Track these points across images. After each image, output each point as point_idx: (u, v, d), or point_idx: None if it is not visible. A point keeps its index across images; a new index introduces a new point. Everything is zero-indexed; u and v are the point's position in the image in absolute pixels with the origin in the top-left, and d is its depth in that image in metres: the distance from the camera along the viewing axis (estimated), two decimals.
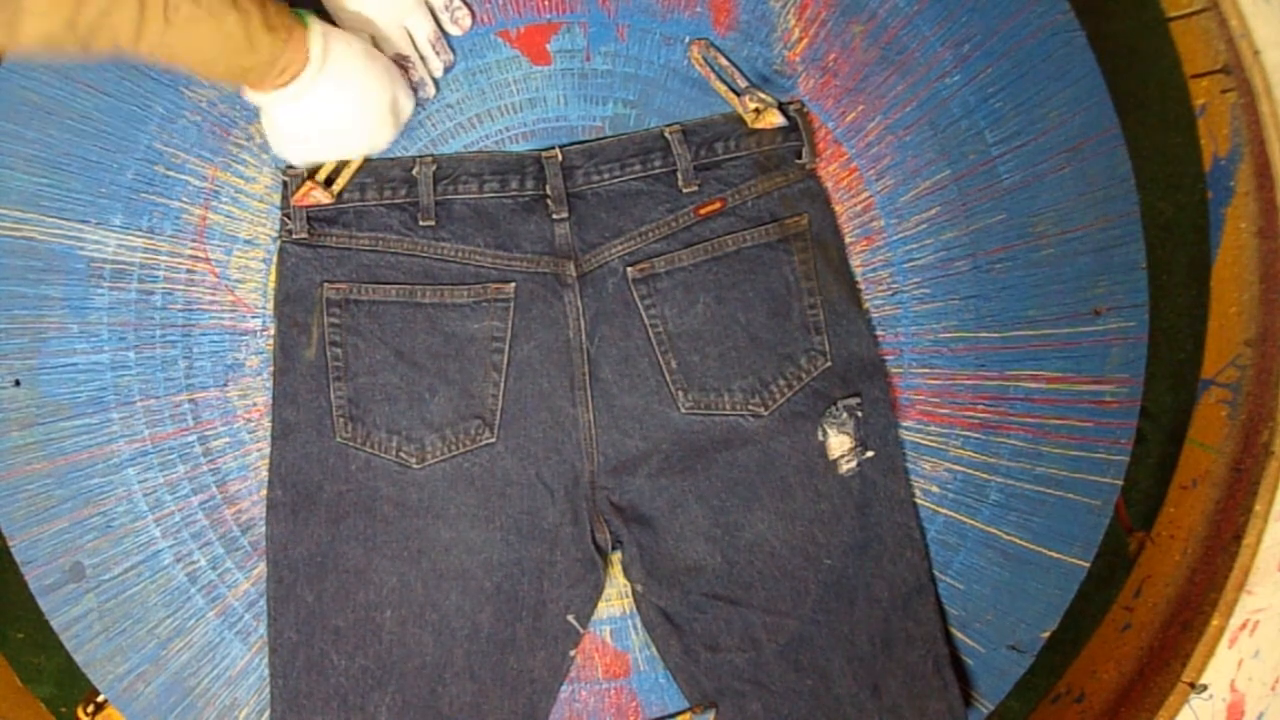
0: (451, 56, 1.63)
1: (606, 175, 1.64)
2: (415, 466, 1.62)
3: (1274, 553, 1.54)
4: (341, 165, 1.61)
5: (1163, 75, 2.20)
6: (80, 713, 1.72)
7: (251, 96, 1.45)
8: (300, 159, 1.55)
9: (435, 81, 1.63)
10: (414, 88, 1.61)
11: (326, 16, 1.52)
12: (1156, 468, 2.09)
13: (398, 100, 1.57)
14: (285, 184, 1.61)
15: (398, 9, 1.55)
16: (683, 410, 1.64)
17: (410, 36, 1.58)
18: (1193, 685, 1.55)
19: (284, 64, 1.38)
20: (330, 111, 1.48)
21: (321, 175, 1.60)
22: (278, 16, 1.34)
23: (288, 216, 1.60)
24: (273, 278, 1.64)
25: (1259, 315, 1.66)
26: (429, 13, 1.58)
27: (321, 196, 1.59)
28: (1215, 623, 1.54)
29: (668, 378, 1.63)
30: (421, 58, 1.60)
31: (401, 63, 1.58)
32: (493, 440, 1.63)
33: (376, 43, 1.56)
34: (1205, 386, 1.76)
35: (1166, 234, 2.21)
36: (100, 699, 1.69)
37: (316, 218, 1.60)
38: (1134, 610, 1.77)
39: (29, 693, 1.86)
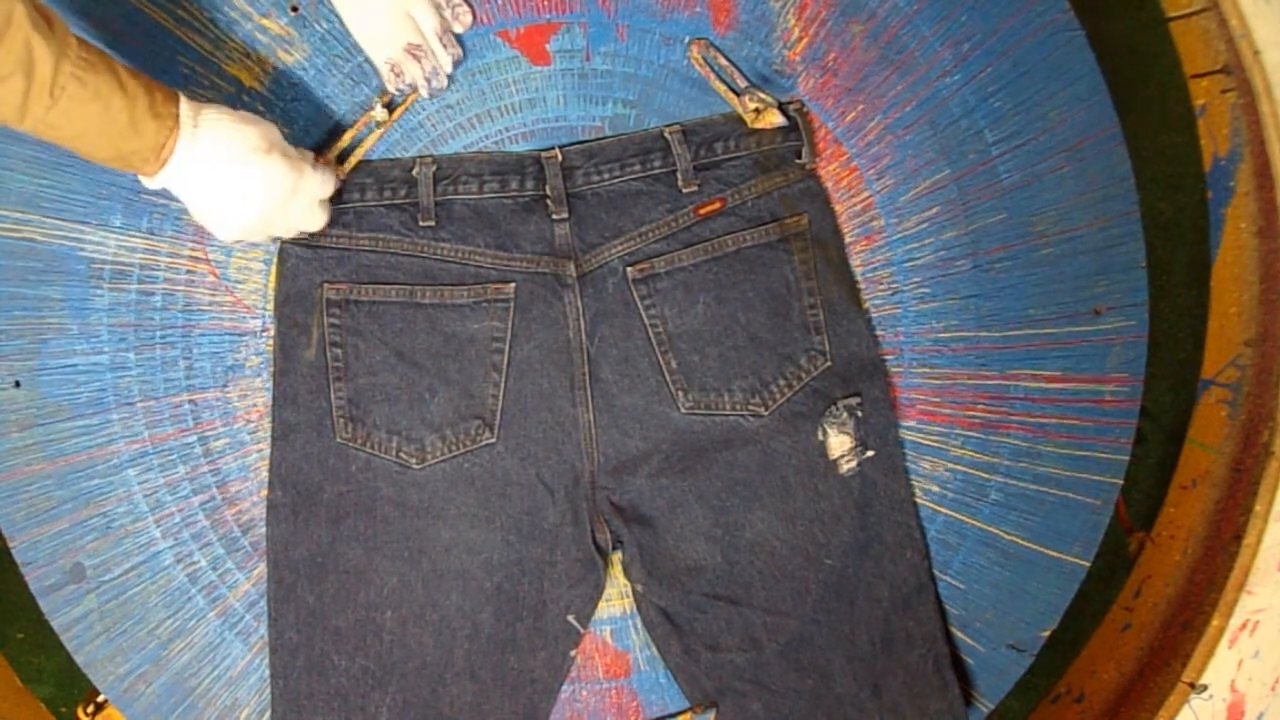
0: (461, 51, 1.63)
1: (606, 175, 1.64)
2: (415, 467, 1.62)
3: (1274, 553, 1.54)
4: (353, 145, 1.61)
5: (1163, 75, 2.20)
6: (80, 713, 1.72)
7: (147, 182, 1.40)
8: (228, 233, 1.47)
9: (448, 76, 1.63)
10: (427, 78, 1.61)
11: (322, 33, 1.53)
12: (1156, 468, 2.09)
13: (292, 160, 1.48)
14: None
15: (402, 1, 1.55)
16: (683, 410, 1.64)
17: (416, 25, 1.57)
18: (1193, 685, 1.55)
19: (166, 145, 1.35)
20: (219, 176, 1.41)
21: (332, 154, 1.60)
22: (164, 105, 1.33)
23: None
24: (273, 278, 1.64)
25: (1259, 315, 1.66)
26: (434, 8, 1.58)
27: None
28: (1215, 623, 1.55)
29: (668, 378, 1.63)
30: (431, 49, 1.60)
31: (414, 52, 1.57)
32: (493, 440, 1.63)
33: (382, 40, 1.56)
34: (1205, 386, 1.76)
35: (1166, 234, 2.21)
36: (100, 699, 1.70)
37: None
38: (1134, 610, 1.77)
39: (29, 693, 1.86)
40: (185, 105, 1.35)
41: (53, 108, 1.23)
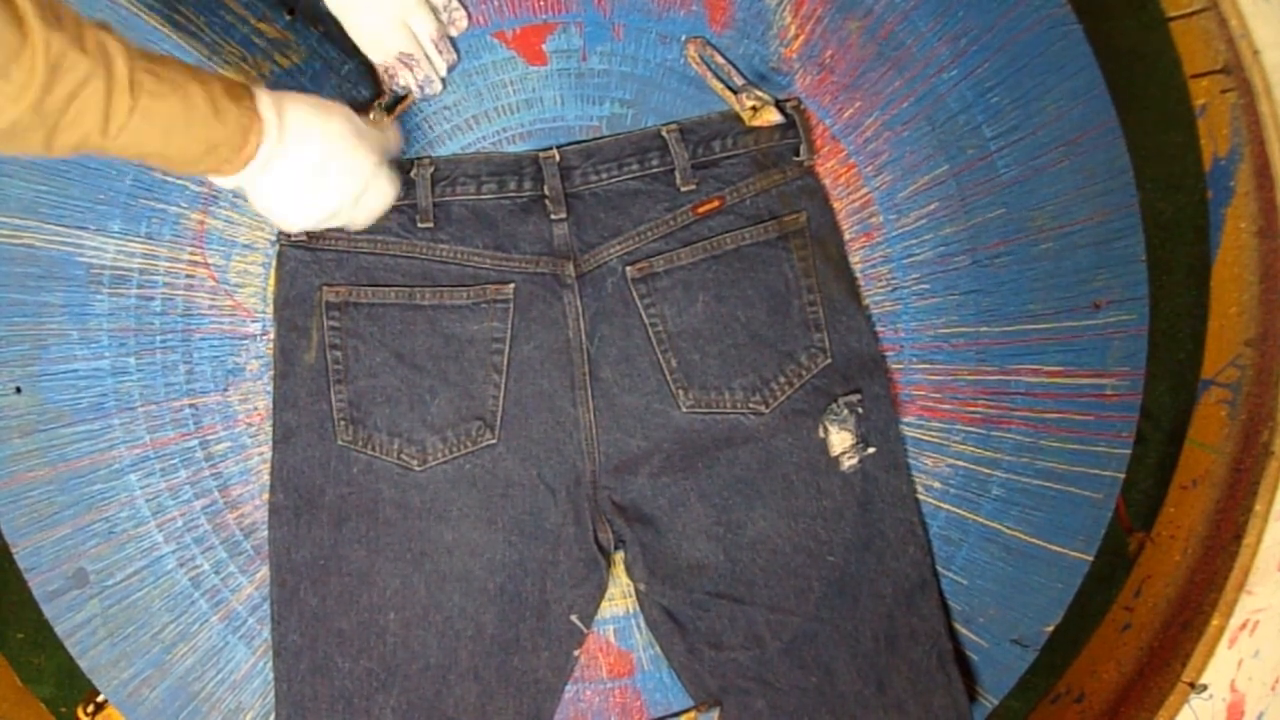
0: (455, 56, 1.63)
1: (604, 175, 1.64)
2: (417, 468, 1.62)
3: (1274, 553, 1.54)
4: None
5: (1163, 75, 2.19)
6: (80, 713, 1.72)
7: (226, 182, 1.34)
8: (302, 224, 1.42)
9: (442, 80, 1.63)
10: (420, 86, 1.61)
11: (330, 24, 1.52)
12: (1156, 468, 2.08)
13: (372, 141, 1.44)
14: None
15: (400, 8, 1.54)
16: (683, 409, 1.64)
17: (414, 35, 1.57)
18: (1193, 685, 1.55)
19: (251, 132, 1.28)
20: (305, 167, 1.36)
21: None
22: (238, 85, 1.27)
23: None
24: (272, 282, 1.64)
25: (1259, 315, 1.65)
26: (431, 12, 1.58)
27: None
28: (1215, 623, 1.54)
29: (668, 377, 1.63)
30: (426, 56, 1.59)
31: (406, 61, 1.57)
32: (494, 441, 1.63)
33: (380, 45, 1.56)
34: (1205, 386, 1.75)
35: (1166, 234, 2.20)
36: (100, 699, 1.70)
37: None
38: (1134, 610, 1.77)
39: (29, 693, 1.86)
40: (264, 93, 1.31)
41: (134, 108, 1.16)
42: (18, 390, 1.62)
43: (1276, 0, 1.51)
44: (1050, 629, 1.69)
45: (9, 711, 1.78)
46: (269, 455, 1.64)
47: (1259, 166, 1.59)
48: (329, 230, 1.60)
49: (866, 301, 1.69)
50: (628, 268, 1.63)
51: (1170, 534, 1.76)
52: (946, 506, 1.70)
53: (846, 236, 1.69)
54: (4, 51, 1.04)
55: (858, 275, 1.69)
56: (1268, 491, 1.54)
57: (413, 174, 1.62)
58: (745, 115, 1.64)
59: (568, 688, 1.70)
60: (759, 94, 1.63)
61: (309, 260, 1.61)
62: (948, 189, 1.68)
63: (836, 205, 1.68)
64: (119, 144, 1.18)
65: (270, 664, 1.65)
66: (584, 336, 1.63)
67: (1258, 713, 1.57)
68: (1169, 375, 2.16)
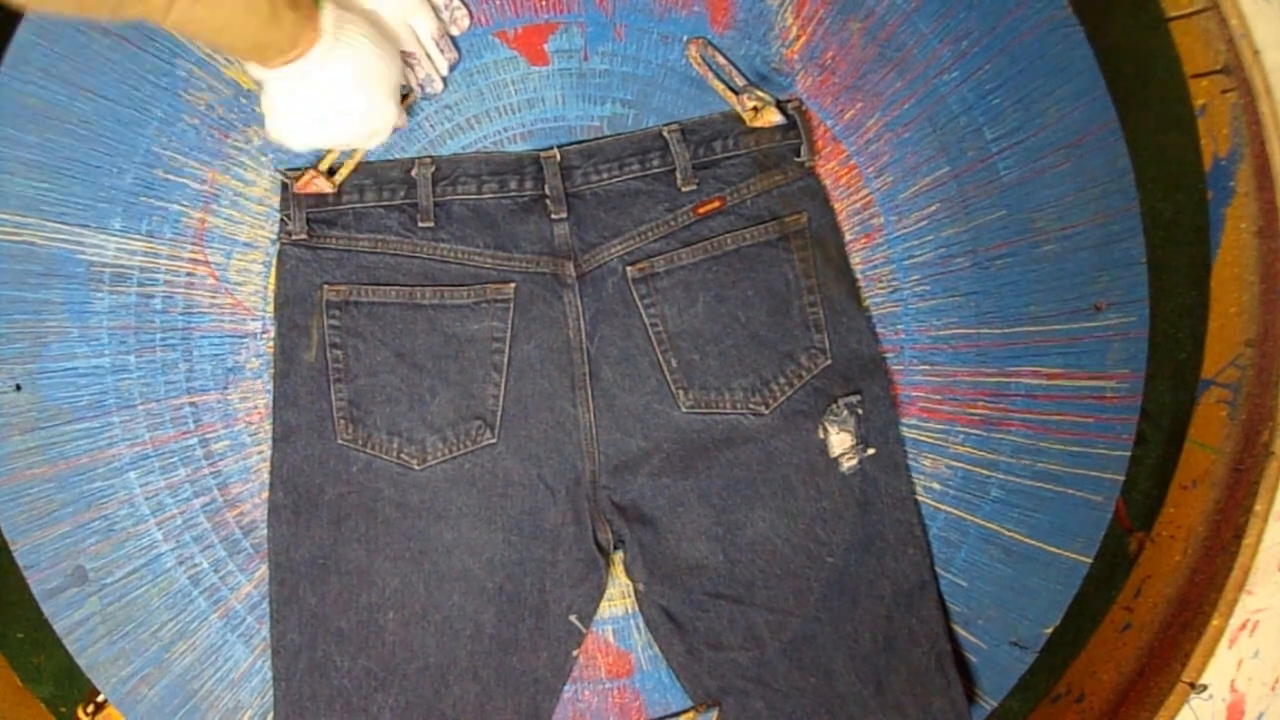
0: (456, 54, 1.63)
1: (605, 175, 1.63)
2: (416, 468, 1.62)
3: (1274, 553, 1.54)
4: (343, 157, 1.61)
5: (1163, 75, 2.19)
6: (80, 712, 1.72)
7: (257, 71, 1.41)
8: (291, 139, 1.49)
9: (443, 79, 1.63)
10: (420, 85, 1.61)
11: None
12: (1156, 468, 2.08)
13: (397, 94, 1.53)
14: (284, 185, 1.61)
15: (401, 7, 1.54)
16: (683, 409, 1.64)
17: (415, 34, 1.57)
18: (1193, 685, 1.55)
19: (301, 42, 1.35)
20: (331, 95, 1.44)
21: (324, 165, 1.60)
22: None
23: (287, 217, 1.60)
24: (272, 280, 1.64)
25: (1259, 315, 1.65)
26: (433, 11, 1.58)
27: (324, 185, 1.59)
28: (1215, 623, 1.55)
29: (668, 377, 1.63)
30: (427, 55, 1.60)
31: (407, 59, 1.57)
32: (493, 441, 1.63)
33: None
34: (1205, 386, 1.76)
35: (1166, 234, 2.20)
36: (100, 698, 1.70)
37: (315, 219, 1.61)
38: (1134, 610, 1.77)
39: (29, 693, 1.86)
40: (330, 12, 1.37)
41: (197, 2, 1.20)
42: (18, 387, 1.62)
43: (1277, 0, 1.51)
44: (1049, 631, 1.69)
45: (9, 711, 1.78)
46: (268, 454, 1.64)
47: (1259, 166, 1.59)
48: (330, 230, 1.60)
49: (867, 302, 1.69)
50: (628, 268, 1.63)
51: (1170, 534, 1.76)
52: (946, 508, 1.70)
53: (847, 237, 1.69)
54: None
55: (858, 276, 1.69)
56: (1268, 491, 1.54)
57: (413, 173, 1.62)
58: (746, 116, 1.64)
59: (566, 688, 1.70)
60: (760, 94, 1.63)
61: (309, 259, 1.61)
62: (949, 190, 1.68)
63: (837, 206, 1.68)
64: (176, 27, 1.24)
65: (269, 663, 1.64)
66: (584, 336, 1.63)
67: (1258, 713, 1.57)
68: (1169, 375, 2.16)
